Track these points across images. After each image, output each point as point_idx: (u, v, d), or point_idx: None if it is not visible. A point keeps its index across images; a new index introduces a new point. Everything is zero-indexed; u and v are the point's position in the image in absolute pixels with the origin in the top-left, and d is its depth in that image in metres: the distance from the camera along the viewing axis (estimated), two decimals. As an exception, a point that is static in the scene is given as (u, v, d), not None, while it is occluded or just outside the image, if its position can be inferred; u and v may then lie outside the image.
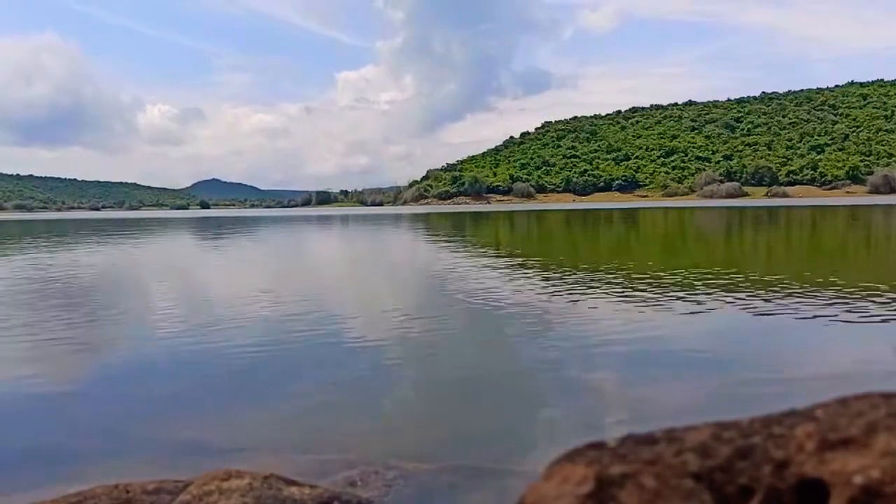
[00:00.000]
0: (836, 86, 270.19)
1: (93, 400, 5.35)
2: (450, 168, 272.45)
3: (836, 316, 8.05)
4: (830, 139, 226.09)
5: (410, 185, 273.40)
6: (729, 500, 1.25)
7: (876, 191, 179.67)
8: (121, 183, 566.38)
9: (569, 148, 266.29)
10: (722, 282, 11.29)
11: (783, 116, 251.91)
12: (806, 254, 18.60)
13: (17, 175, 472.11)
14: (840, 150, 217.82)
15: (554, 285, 11.42)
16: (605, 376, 5.71)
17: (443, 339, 7.41)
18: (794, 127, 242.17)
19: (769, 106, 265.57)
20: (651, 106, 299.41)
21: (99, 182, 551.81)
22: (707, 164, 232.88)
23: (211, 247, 27.37)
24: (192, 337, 7.77)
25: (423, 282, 13.30)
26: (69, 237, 35.06)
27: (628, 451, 1.33)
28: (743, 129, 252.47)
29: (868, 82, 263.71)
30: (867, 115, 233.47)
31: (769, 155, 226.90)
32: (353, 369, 6.11)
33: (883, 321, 7.73)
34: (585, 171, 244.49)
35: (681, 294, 10.03)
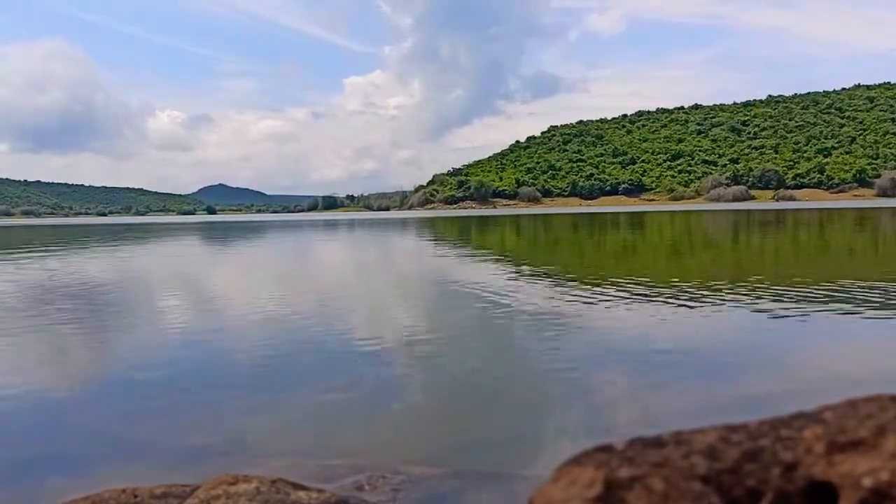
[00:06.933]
0: (843, 88, 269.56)
1: (100, 404, 5.36)
2: (456, 173, 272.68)
3: (844, 317, 8.00)
4: (837, 142, 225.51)
5: (416, 190, 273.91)
6: (737, 502, 1.25)
7: (884, 194, 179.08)
8: (128, 188, 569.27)
9: (575, 152, 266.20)
10: (728, 284, 11.25)
11: (789, 119, 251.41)
12: (813, 255, 18.51)
13: (25, 181, 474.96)
14: (847, 153, 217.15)
15: (560, 288, 11.39)
16: (612, 379, 5.68)
17: (450, 343, 7.39)
18: (800, 130, 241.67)
19: (775, 109, 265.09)
20: (657, 109, 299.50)
21: (106, 188, 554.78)
22: (713, 167, 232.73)
23: (218, 252, 27.45)
24: (200, 341, 7.78)
25: (430, 286, 13.29)
26: (75, 243, 35.20)
27: (636, 453, 1.33)
28: (749, 133, 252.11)
29: (874, 85, 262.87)
30: (874, 118, 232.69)
31: (776, 158, 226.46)
32: (361, 373, 6.10)
33: (892, 322, 7.68)
34: (591, 174, 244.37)
35: (688, 296, 9.99)
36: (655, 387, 5.39)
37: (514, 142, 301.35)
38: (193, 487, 2.97)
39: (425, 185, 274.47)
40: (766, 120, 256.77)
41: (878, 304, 8.88)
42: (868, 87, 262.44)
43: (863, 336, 7.23)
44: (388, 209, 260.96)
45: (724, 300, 9.65)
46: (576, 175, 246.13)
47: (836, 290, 10.20)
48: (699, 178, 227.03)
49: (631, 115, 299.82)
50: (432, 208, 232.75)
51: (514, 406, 5.06)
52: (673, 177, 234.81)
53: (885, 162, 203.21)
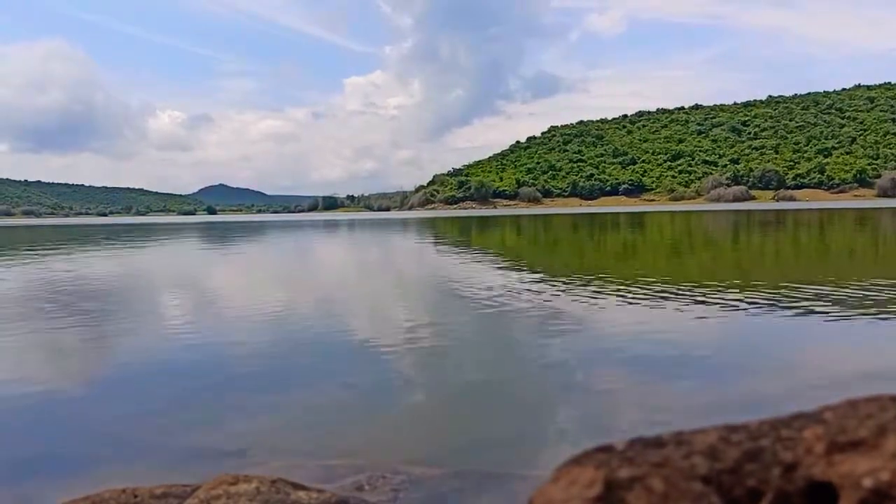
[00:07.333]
0: (843, 89, 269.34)
1: (101, 405, 5.36)
2: (456, 173, 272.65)
3: (845, 318, 8.00)
4: (837, 142, 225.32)
5: (417, 190, 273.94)
6: (737, 502, 1.25)
7: (884, 194, 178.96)
8: (128, 189, 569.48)
9: (575, 152, 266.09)
10: (729, 284, 11.24)
11: (790, 120, 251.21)
12: (813, 256, 18.51)
13: (26, 181, 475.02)
14: (847, 153, 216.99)
15: (561, 289, 11.39)
16: (612, 380, 5.68)
17: (450, 343, 7.39)
18: (800, 130, 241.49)
19: (776, 109, 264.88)
20: (657, 110, 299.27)
21: (107, 188, 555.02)
22: (714, 167, 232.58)
23: (219, 253, 27.44)
24: (201, 341, 7.78)
25: (431, 287, 13.29)
26: (76, 243, 35.20)
27: (636, 453, 1.32)
28: (749, 133, 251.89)
29: (875, 85, 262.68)
30: (874, 119, 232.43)
31: (776, 158, 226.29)
32: (361, 373, 6.10)
33: (892, 322, 7.68)
34: (592, 175, 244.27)
35: (688, 297, 9.99)
36: (655, 387, 5.39)
37: (514, 142, 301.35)
38: (194, 487, 2.97)
39: (425, 185, 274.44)
40: (766, 120, 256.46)
41: (878, 305, 8.88)
42: (868, 88, 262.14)
43: (863, 336, 7.23)
44: (388, 209, 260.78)
45: (724, 300, 9.65)
46: (576, 175, 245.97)
47: (837, 291, 10.20)
48: (699, 179, 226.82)
49: (631, 116, 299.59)
50: (432, 208, 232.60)
51: (514, 406, 5.06)
52: (673, 177, 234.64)
53: (885, 162, 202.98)
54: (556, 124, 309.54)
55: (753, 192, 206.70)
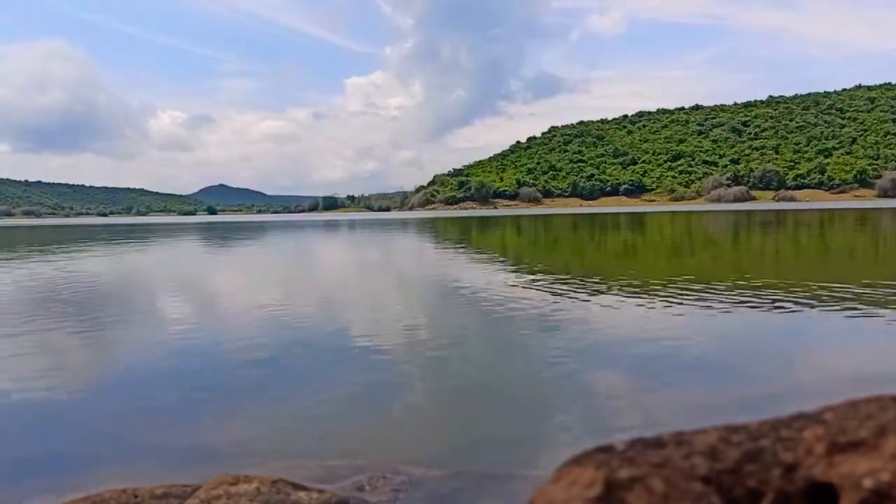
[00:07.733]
0: (844, 89, 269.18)
1: (101, 405, 5.36)
2: (456, 173, 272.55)
3: (845, 318, 8.00)
4: (838, 143, 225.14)
5: (417, 191, 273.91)
6: (738, 503, 1.26)
7: (884, 194, 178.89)
8: (128, 189, 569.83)
9: (575, 152, 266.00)
10: (729, 284, 11.24)
11: (790, 120, 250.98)
12: (813, 256, 18.50)
13: (26, 181, 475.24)
14: (848, 153, 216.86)
15: (562, 290, 11.38)
16: (612, 380, 5.68)
17: (450, 344, 7.39)
18: (801, 130, 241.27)
19: (776, 109, 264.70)
20: (658, 110, 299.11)
21: (107, 188, 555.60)
22: (714, 168, 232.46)
23: (220, 253, 27.44)
24: (201, 342, 7.78)
25: (430, 287, 13.29)
26: (76, 243, 35.19)
27: (637, 454, 1.32)
28: (750, 133, 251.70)
29: (875, 85, 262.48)
30: (875, 119, 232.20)
31: (776, 159, 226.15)
32: (362, 374, 6.10)
33: (892, 322, 7.67)
34: (592, 175, 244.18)
35: (688, 297, 9.99)
36: (655, 387, 5.39)
37: (514, 142, 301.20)
38: (194, 488, 2.97)
39: (426, 185, 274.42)
40: (766, 120, 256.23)
41: (878, 305, 8.87)
42: (869, 88, 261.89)
43: (863, 336, 7.23)
44: (388, 210, 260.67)
45: (724, 300, 9.65)
46: (576, 176, 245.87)
47: (837, 291, 10.19)
48: (700, 179, 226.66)
49: (632, 116, 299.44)
50: (433, 209, 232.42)
51: (515, 406, 5.06)
52: (674, 177, 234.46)
53: (885, 162, 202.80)
54: (556, 124, 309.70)
55: (754, 193, 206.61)
